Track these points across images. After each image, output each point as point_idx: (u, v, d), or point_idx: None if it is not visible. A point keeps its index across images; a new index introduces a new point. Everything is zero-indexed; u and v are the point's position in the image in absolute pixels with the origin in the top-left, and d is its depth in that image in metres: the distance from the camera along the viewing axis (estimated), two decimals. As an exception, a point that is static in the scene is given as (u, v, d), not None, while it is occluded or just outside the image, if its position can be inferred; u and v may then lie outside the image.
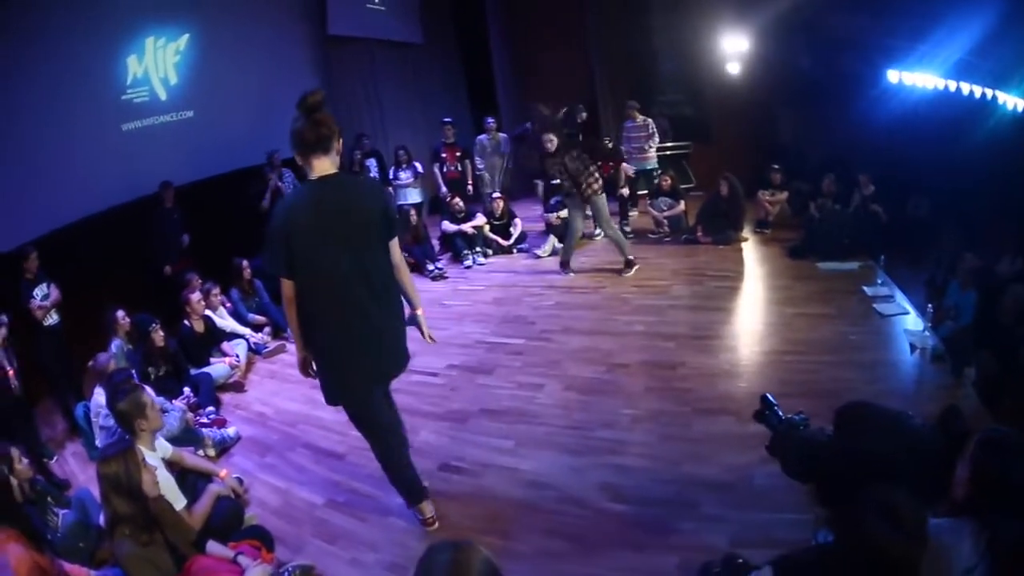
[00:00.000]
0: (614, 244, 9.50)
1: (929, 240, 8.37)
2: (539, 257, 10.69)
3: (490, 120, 12.15)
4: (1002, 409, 5.01)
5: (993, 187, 7.69)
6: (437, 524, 4.57)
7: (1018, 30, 6.70)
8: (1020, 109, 7.17)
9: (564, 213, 10.24)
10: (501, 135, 12.25)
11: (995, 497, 2.62)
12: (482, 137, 12.14)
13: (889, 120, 9.40)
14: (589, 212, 9.50)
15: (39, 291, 7.03)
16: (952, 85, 7.93)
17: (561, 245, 10.17)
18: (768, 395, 3.94)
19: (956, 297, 6.73)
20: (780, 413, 3.81)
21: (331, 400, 4.21)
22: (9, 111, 7.67)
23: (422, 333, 4.49)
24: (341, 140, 3.87)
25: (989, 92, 7.42)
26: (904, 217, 9.18)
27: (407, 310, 4.35)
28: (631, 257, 9.38)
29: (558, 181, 9.76)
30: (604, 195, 9.31)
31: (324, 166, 3.78)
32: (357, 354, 4.03)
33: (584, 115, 12.13)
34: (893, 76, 9.03)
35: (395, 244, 4.05)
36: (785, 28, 11.16)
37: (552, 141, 9.70)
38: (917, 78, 8.59)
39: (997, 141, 7.59)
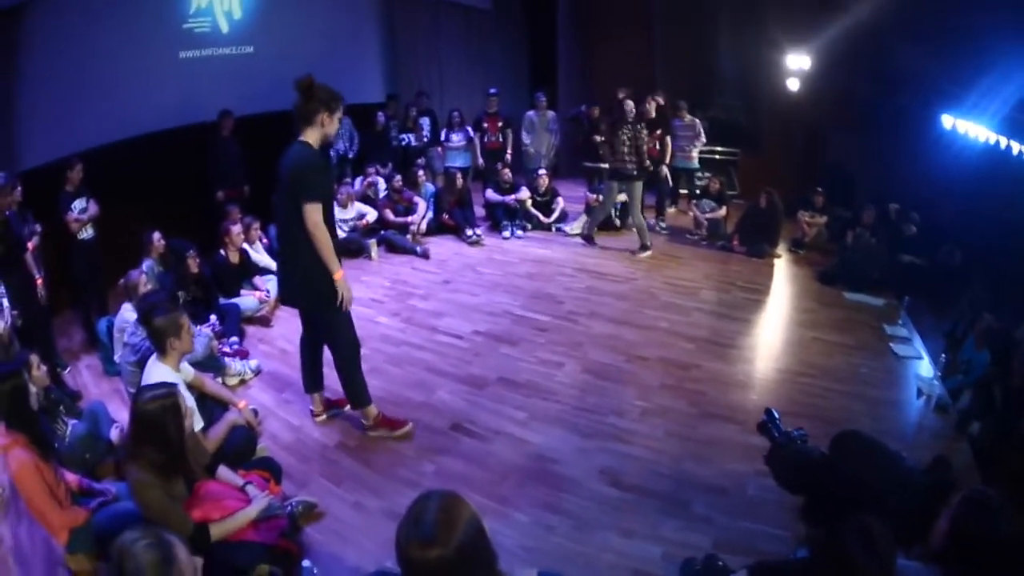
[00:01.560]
0: (636, 228, 9.89)
1: (957, 291, 8.29)
2: (567, 234, 10.86)
3: (541, 96, 12.06)
4: (993, 471, 5.06)
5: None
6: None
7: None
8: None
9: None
10: (550, 112, 12.15)
11: (969, 553, 2.72)
12: (531, 113, 12.04)
13: (938, 164, 9.39)
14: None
15: (78, 204, 7.06)
16: (1003, 141, 7.89)
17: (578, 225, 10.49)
18: (772, 409, 4.07)
19: (970, 353, 6.70)
20: (781, 427, 3.93)
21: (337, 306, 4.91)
22: (70, 20, 7.72)
23: None
24: (326, 114, 4.80)
25: None
26: (935, 263, 9.12)
27: None
28: (649, 243, 9.83)
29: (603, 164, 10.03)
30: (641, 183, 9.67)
31: (304, 133, 4.83)
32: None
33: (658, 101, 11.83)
34: (947, 121, 9.00)
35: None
36: (848, 53, 11.12)
37: (631, 107, 9.66)
38: (970, 127, 8.54)
39: None
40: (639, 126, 9.60)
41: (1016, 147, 7.62)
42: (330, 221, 4.82)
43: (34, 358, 4.48)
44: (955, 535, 2.77)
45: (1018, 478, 4.75)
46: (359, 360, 5.25)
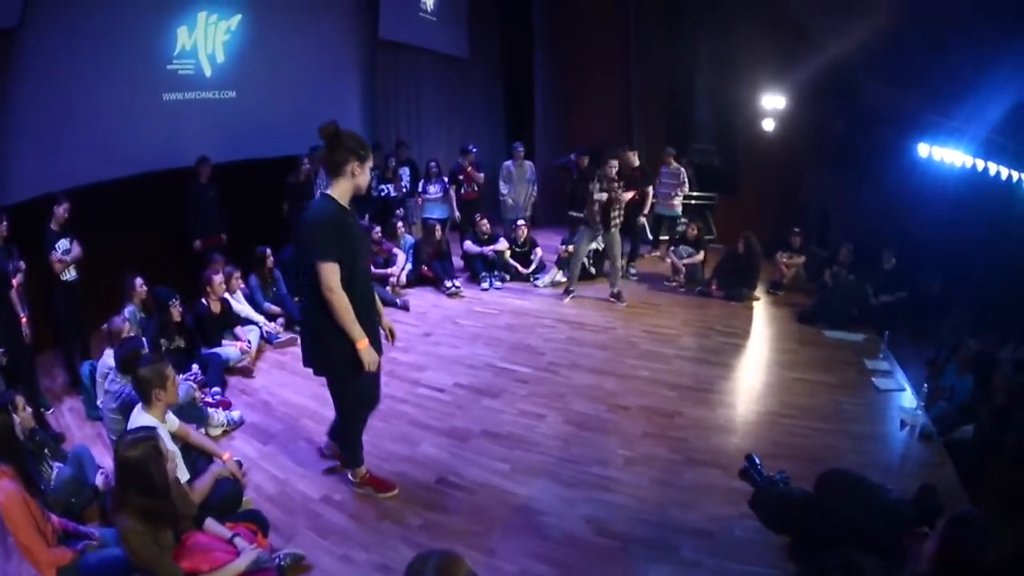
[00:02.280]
0: (613, 276, 10.06)
1: (938, 319, 8.46)
2: (537, 287, 10.87)
3: (519, 146, 12.08)
4: (979, 491, 5.13)
5: (1008, 270, 7.80)
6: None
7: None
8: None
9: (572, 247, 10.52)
10: (528, 162, 12.16)
11: (956, 574, 2.75)
12: (508, 163, 12.09)
13: (915, 193, 9.52)
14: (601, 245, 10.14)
15: (62, 244, 7.04)
16: (980, 164, 8.02)
17: (563, 278, 10.53)
18: (753, 455, 4.12)
19: (952, 379, 6.83)
20: (763, 472, 3.97)
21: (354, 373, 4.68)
22: (56, 58, 7.75)
23: None
24: (356, 163, 4.44)
25: (1015, 174, 7.52)
26: (916, 292, 9.27)
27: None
28: (622, 291, 10.03)
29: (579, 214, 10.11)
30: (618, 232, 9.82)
31: (332, 185, 4.49)
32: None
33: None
34: (923, 150, 9.15)
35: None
36: (823, 91, 11.33)
37: (614, 166, 9.68)
38: (947, 154, 8.70)
39: (1016, 224, 7.72)
40: (616, 181, 9.65)
41: (994, 168, 7.74)
42: (360, 283, 4.62)
43: (20, 399, 4.50)
44: (942, 557, 2.80)
45: (1008, 498, 4.80)
46: (360, 426, 5.20)
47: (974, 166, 8.17)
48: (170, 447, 4.39)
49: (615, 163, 9.68)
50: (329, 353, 4.64)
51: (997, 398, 5.99)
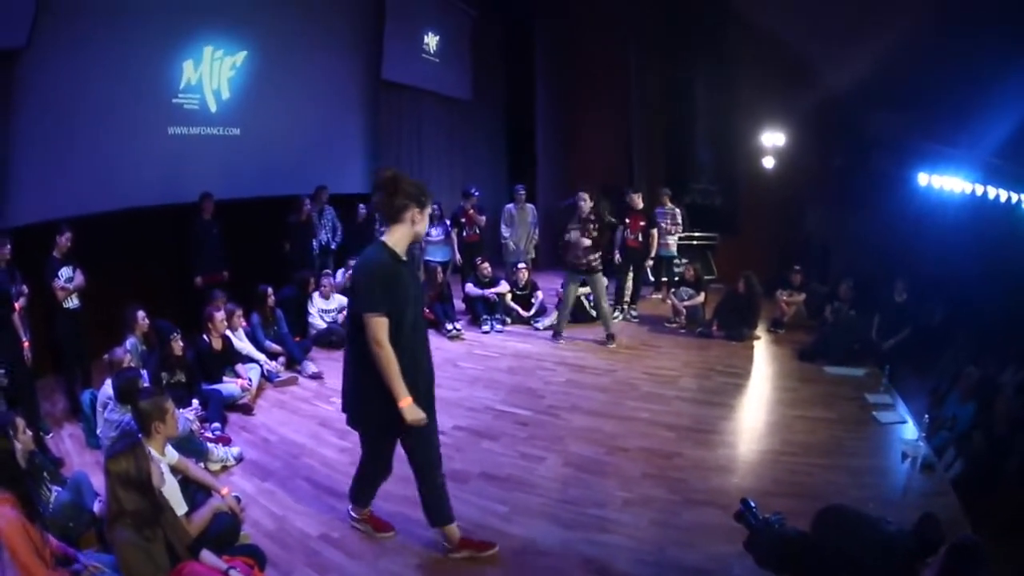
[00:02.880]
0: (602, 318, 10.08)
1: (939, 349, 8.44)
2: (538, 329, 10.90)
3: (520, 189, 12.19)
4: (985, 519, 5.09)
5: (1009, 294, 7.79)
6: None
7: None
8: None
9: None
10: (529, 205, 12.21)
11: None
12: (510, 206, 12.18)
13: (915, 223, 9.56)
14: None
15: (65, 272, 7.12)
16: (979, 189, 8.05)
17: (551, 320, 10.61)
18: (748, 498, 4.11)
19: (954, 408, 6.80)
20: (758, 514, 3.97)
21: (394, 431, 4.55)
22: (62, 82, 7.83)
23: None
24: (416, 209, 4.29)
25: (1015, 197, 7.53)
26: (917, 324, 9.27)
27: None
28: (615, 332, 10.05)
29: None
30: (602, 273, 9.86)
31: (389, 232, 4.32)
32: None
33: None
34: (923, 179, 9.19)
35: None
36: (821, 125, 11.45)
37: (586, 202, 9.78)
38: (946, 181, 8.75)
39: (1014, 246, 7.73)
40: (591, 224, 9.72)
41: (993, 192, 7.76)
42: (407, 335, 4.34)
43: (20, 421, 4.49)
44: None
45: (1010, 527, 4.78)
46: (438, 481, 4.88)
47: (973, 192, 8.22)
48: (169, 480, 4.41)
49: (586, 196, 9.78)
50: (368, 405, 4.47)
51: (999, 426, 5.98)
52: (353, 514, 5.21)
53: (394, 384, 4.22)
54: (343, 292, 10.23)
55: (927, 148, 9.15)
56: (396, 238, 4.30)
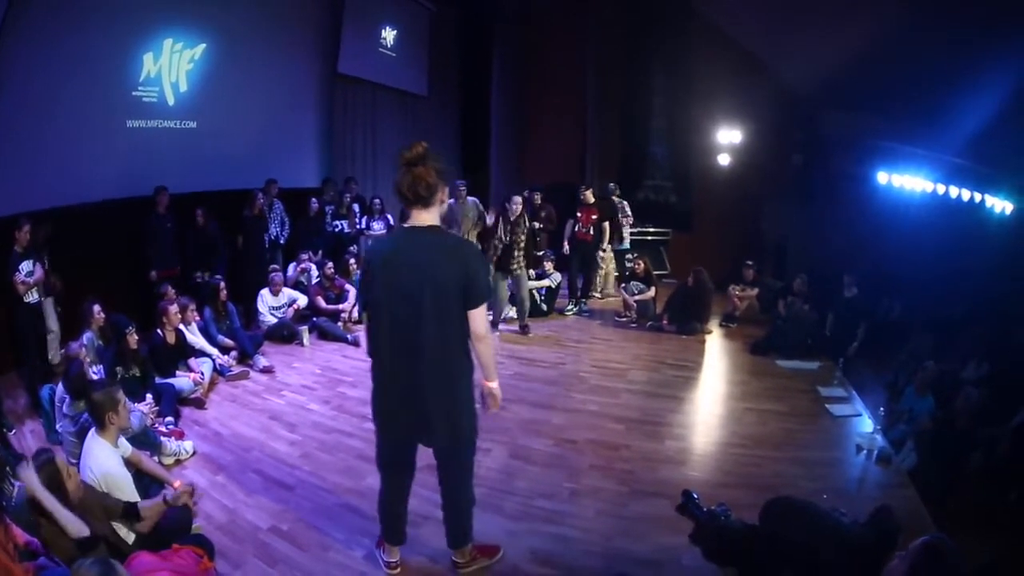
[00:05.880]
0: (519, 310, 10.35)
1: (896, 343, 8.59)
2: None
3: (460, 184, 11.71)
4: (945, 512, 5.21)
5: (967, 290, 7.94)
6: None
7: (1009, 132, 7.01)
8: (1007, 212, 7.43)
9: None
10: (470, 199, 11.81)
11: None
12: (451, 202, 11.62)
13: (874, 221, 9.70)
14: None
15: (25, 266, 7.12)
16: (940, 188, 8.21)
17: (513, 314, 10.63)
18: (689, 490, 4.19)
19: (911, 401, 6.95)
20: (702, 506, 4.05)
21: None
22: (23, 79, 7.76)
23: (483, 404, 4.23)
24: (446, 189, 3.84)
25: (977, 196, 7.68)
26: (875, 320, 9.42)
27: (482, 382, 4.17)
28: (528, 324, 10.31)
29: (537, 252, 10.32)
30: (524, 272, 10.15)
31: (421, 218, 3.78)
32: (393, 404, 4.11)
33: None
34: (883, 177, 9.34)
35: (476, 314, 3.77)
36: (779, 123, 11.55)
37: (517, 204, 10.02)
38: (908, 181, 8.92)
39: (976, 244, 7.92)
40: (521, 225, 9.95)
41: (955, 191, 7.89)
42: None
43: None
44: None
45: (971, 519, 4.90)
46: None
47: (934, 191, 8.37)
48: (123, 472, 4.46)
49: (518, 200, 9.97)
50: (472, 419, 4.10)
51: (959, 421, 6.12)
52: (456, 559, 4.75)
53: (493, 367, 4.07)
54: (294, 286, 10.36)
55: (887, 147, 9.27)
56: (439, 222, 3.86)
